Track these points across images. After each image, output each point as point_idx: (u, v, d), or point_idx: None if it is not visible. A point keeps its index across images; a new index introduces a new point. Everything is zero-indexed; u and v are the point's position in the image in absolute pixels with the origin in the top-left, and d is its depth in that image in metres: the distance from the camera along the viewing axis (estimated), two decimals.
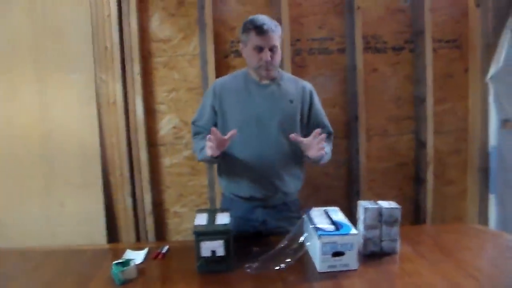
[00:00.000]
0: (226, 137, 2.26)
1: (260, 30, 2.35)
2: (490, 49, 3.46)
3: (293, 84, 2.58)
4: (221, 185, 2.74)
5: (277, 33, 2.41)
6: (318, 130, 2.27)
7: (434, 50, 3.50)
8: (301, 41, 3.50)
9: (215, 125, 2.54)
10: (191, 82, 3.46)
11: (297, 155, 2.52)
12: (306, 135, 2.50)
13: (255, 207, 2.56)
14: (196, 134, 2.64)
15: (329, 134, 2.65)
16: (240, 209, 2.52)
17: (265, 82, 2.52)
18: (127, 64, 3.36)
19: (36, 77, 3.32)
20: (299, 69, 3.49)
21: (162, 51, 3.44)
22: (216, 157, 2.33)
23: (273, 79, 2.53)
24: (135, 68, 3.35)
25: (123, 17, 3.33)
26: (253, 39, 2.39)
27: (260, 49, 2.39)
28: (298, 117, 2.52)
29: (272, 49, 2.39)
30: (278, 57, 2.45)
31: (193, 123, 2.66)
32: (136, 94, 3.38)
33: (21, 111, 3.34)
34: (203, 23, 3.37)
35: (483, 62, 3.49)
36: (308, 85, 2.64)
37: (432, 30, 3.45)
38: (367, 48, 3.52)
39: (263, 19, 2.40)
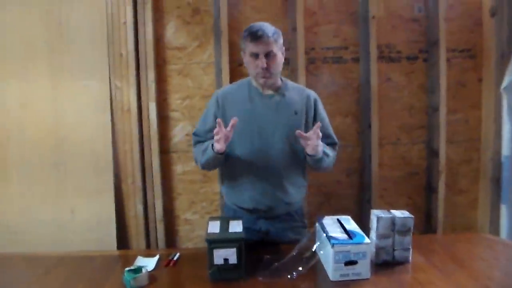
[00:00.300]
0: (228, 128, 2.25)
1: (254, 36, 2.32)
2: (504, 59, 3.45)
3: (297, 94, 2.54)
4: (224, 195, 2.70)
5: (274, 39, 2.36)
6: (319, 123, 2.26)
7: (448, 59, 3.50)
8: (315, 50, 3.52)
9: None
10: (206, 90, 3.48)
11: (300, 165, 2.52)
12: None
13: (258, 218, 2.53)
14: (196, 143, 2.61)
15: (333, 144, 2.63)
16: (242, 219, 2.47)
17: (269, 92, 2.49)
18: (142, 71, 3.39)
19: (51, 84, 3.35)
20: (313, 78, 3.50)
21: (177, 58, 3.47)
22: (221, 154, 2.33)
23: (277, 89, 2.50)
24: (150, 75, 3.38)
25: (139, 25, 3.36)
26: (249, 46, 2.36)
27: (256, 56, 2.36)
28: (302, 128, 2.46)
29: (268, 56, 2.34)
30: (276, 64, 2.39)
31: (194, 134, 2.62)
32: (150, 101, 3.40)
33: (35, 117, 3.37)
34: (218, 31, 3.39)
35: (497, 72, 3.49)
36: (313, 94, 2.60)
37: (446, 40, 3.45)
38: (381, 57, 3.53)
39: (260, 25, 2.37)
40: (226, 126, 2.36)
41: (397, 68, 3.58)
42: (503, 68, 3.44)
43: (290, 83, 2.60)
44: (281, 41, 2.43)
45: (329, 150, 2.51)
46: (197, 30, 3.46)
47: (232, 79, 3.35)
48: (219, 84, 3.42)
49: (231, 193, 2.60)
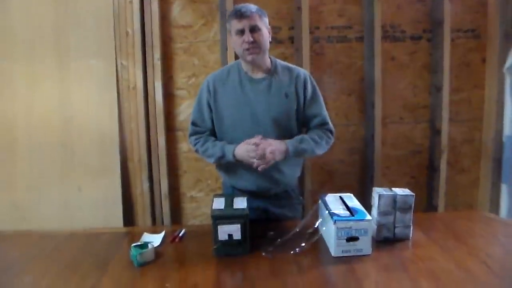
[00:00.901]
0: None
1: (238, 14, 2.34)
2: (508, 39, 3.46)
3: (287, 75, 2.52)
4: (221, 176, 2.75)
5: (259, 15, 2.37)
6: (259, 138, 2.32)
7: (452, 39, 3.50)
8: (320, 29, 3.53)
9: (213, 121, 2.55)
10: (211, 68, 3.48)
11: None
12: (304, 123, 2.58)
13: (256, 197, 2.54)
14: (195, 134, 2.62)
15: (323, 125, 2.60)
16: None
17: (258, 76, 2.49)
18: (148, 50, 3.41)
19: (57, 64, 3.38)
20: (317, 57, 3.52)
21: (183, 37, 3.49)
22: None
23: (266, 71, 2.49)
24: (156, 54, 3.40)
25: (145, 3, 3.37)
26: (234, 24, 2.37)
27: (242, 32, 2.35)
28: (294, 110, 2.49)
29: (253, 30, 2.34)
30: (263, 39, 2.38)
31: (193, 123, 2.62)
32: (156, 80, 3.43)
33: (42, 97, 3.40)
34: (223, 9, 3.39)
35: (500, 53, 3.49)
36: (303, 74, 2.56)
37: (450, 20, 3.45)
38: (385, 36, 3.54)
39: (243, 5, 2.38)
40: (218, 113, 2.47)
41: (401, 47, 3.58)
42: (506, 49, 3.46)
43: (280, 63, 2.58)
44: (266, 19, 2.43)
45: (306, 143, 2.47)
46: (203, 9, 3.47)
47: (237, 58, 3.35)
48: (224, 62, 3.43)
49: (228, 177, 2.65)
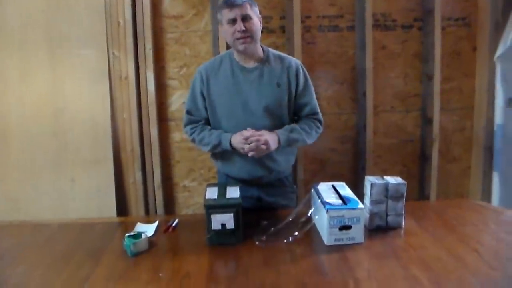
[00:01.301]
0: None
1: (229, 3, 2.34)
2: (498, 28, 3.48)
3: (279, 65, 2.52)
4: (215, 164, 2.76)
5: (249, 4, 2.37)
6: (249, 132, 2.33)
7: (443, 28, 3.52)
8: (311, 18, 3.53)
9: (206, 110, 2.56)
10: (203, 58, 3.49)
11: None
12: (295, 112, 2.59)
13: (250, 185, 2.57)
14: (190, 123, 2.61)
15: (313, 115, 2.62)
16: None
17: (250, 65, 2.49)
18: (139, 40, 3.40)
19: (49, 54, 3.36)
20: (308, 46, 3.52)
21: (174, 27, 3.48)
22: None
23: (258, 60, 2.50)
24: (147, 44, 3.39)
25: None
26: (225, 14, 2.37)
27: (233, 22, 2.35)
28: (286, 99, 2.50)
29: (245, 19, 2.34)
30: (254, 28, 2.37)
31: (188, 112, 2.61)
32: (148, 70, 3.42)
33: (34, 87, 3.39)
34: None
35: (491, 41, 3.51)
36: (295, 63, 2.56)
37: (441, 8, 3.47)
38: (376, 25, 3.55)
39: None
40: (211, 102, 2.48)
41: (392, 36, 3.59)
42: (497, 37, 3.48)
43: (272, 52, 2.58)
44: (256, 8, 2.43)
45: (296, 132, 2.50)
46: None
47: (228, 48, 3.35)
48: (216, 53, 3.43)
49: (222, 165, 2.65)
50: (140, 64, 3.42)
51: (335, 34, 3.57)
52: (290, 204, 2.67)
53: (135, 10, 3.38)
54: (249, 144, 2.30)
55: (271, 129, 2.43)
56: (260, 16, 2.46)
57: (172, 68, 3.52)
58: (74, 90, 3.39)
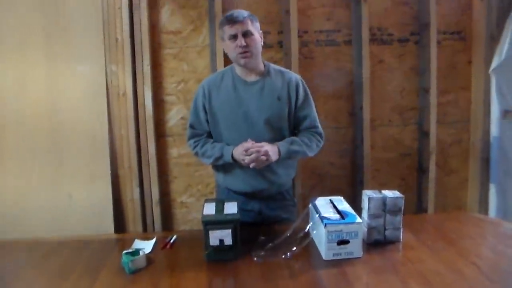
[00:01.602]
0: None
1: (230, 19, 2.39)
2: (493, 41, 3.50)
3: (280, 79, 2.56)
4: (216, 178, 2.79)
5: (250, 20, 2.42)
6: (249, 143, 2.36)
7: (439, 41, 3.54)
8: (309, 33, 3.55)
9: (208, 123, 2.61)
10: (200, 73, 3.50)
11: None
12: (295, 126, 2.61)
13: (250, 199, 2.60)
14: (194, 136, 2.65)
15: (313, 128, 2.64)
16: (235, 201, 2.55)
17: (252, 79, 2.53)
18: (137, 56, 3.41)
19: (47, 69, 3.36)
20: (306, 61, 3.54)
21: (172, 42, 3.49)
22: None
23: (259, 75, 2.54)
24: (145, 60, 3.40)
25: (134, 9, 3.37)
26: (226, 30, 2.42)
27: (235, 37, 2.40)
28: (286, 113, 2.53)
29: (246, 35, 2.39)
30: (255, 44, 2.43)
31: (191, 126, 2.66)
32: (146, 85, 3.43)
33: (32, 103, 3.38)
34: (212, 14, 3.41)
35: (486, 54, 3.53)
36: (295, 78, 2.61)
37: (437, 22, 3.49)
38: (373, 39, 3.57)
39: (235, 10, 2.44)
40: (213, 115, 2.52)
41: (388, 50, 3.61)
42: (492, 50, 3.50)
43: (273, 67, 2.62)
44: (257, 24, 2.48)
45: (297, 144, 2.53)
46: (192, 14, 3.48)
47: (226, 63, 3.37)
48: (213, 68, 3.45)
49: (223, 178, 2.66)
50: (138, 80, 3.43)
51: (332, 48, 3.58)
52: (291, 217, 2.66)
53: (133, 26, 3.39)
54: (249, 155, 2.33)
55: (272, 141, 2.45)
56: (261, 31, 2.50)
57: (170, 84, 3.53)
58: (72, 106, 3.39)
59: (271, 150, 2.38)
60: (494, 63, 3.46)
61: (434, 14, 3.47)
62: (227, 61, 3.34)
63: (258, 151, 2.32)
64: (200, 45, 3.50)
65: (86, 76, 3.39)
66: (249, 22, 2.40)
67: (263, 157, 2.33)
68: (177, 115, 3.55)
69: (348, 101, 3.65)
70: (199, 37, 3.50)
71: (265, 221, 2.59)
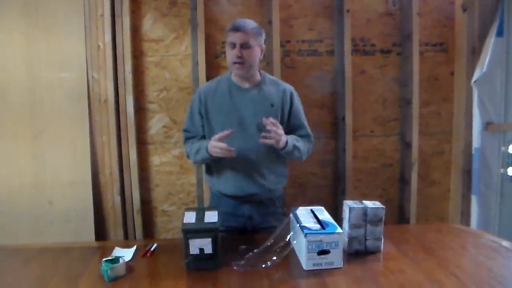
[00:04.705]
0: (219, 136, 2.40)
1: (233, 27, 2.47)
2: (475, 53, 3.53)
3: (274, 88, 2.65)
4: (209, 183, 2.81)
5: (253, 33, 2.48)
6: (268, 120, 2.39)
7: (421, 53, 3.56)
8: (291, 42, 3.55)
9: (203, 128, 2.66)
10: (182, 81, 3.50)
11: (279, 154, 2.57)
12: (289, 134, 2.63)
13: (242, 203, 2.64)
14: (188, 139, 2.74)
15: (307, 136, 2.74)
16: (227, 205, 2.62)
17: (247, 86, 2.60)
18: (119, 63, 3.40)
19: (28, 76, 3.34)
20: (288, 70, 3.55)
21: (154, 50, 3.48)
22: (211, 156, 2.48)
23: (255, 83, 2.61)
24: (127, 67, 3.39)
25: (116, 16, 3.37)
26: (229, 37, 2.49)
27: (233, 46, 2.47)
28: (278, 120, 2.57)
29: (244, 46, 2.46)
30: (251, 56, 2.49)
31: (185, 131, 2.74)
32: (127, 93, 3.41)
33: (13, 108, 3.35)
34: (195, 23, 3.41)
35: (468, 66, 3.56)
36: (289, 88, 2.71)
37: (419, 34, 3.51)
38: (355, 50, 3.58)
39: (242, 20, 2.52)
40: (208, 120, 2.58)
41: (371, 61, 3.63)
42: (474, 62, 3.53)
43: (268, 77, 2.71)
44: (261, 37, 2.54)
45: (300, 143, 2.61)
46: (174, 22, 3.48)
47: (208, 71, 3.39)
48: (195, 76, 3.45)
49: (216, 181, 2.70)
50: (119, 87, 3.41)
51: (314, 58, 3.59)
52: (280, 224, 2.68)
53: (115, 33, 3.38)
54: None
55: (263, 147, 2.51)
56: (263, 46, 2.58)
57: (151, 92, 3.51)
58: (53, 112, 3.37)
59: (283, 136, 2.44)
60: (476, 75, 3.48)
61: (416, 25, 3.49)
62: (209, 70, 3.38)
63: (276, 132, 2.38)
64: (182, 54, 3.49)
65: (68, 82, 3.37)
66: (251, 35, 2.47)
67: (277, 135, 2.38)
68: (158, 123, 3.54)
69: (330, 111, 3.65)
70: (181, 45, 3.49)
71: (255, 227, 2.64)
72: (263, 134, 2.38)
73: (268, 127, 2.37)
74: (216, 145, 2.40)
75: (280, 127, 2.43)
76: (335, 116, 3.65)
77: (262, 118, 2.39)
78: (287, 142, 2.47)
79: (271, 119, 2.38)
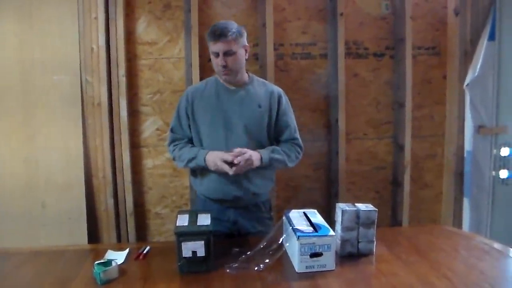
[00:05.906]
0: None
1: (213, 36, 2.41)
2: (467, 57, 3.56)
3: (262, 89, 2.63)
4: (194, 186, 2.78)
5: (234, 38, 2.42)
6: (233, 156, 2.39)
7: (414, 56, 3.57)
8: (284, 45, 3.56)
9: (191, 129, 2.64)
10: (176, 84, 3.50)
11: None
12: (275, 137, 2.66)
13: (227, 208, 2.61)
14: (174, 140, 2.69)
15: (293, 140, 2.70)
16: (211, 210, 2.54)
17: (234, 87, 2.59)
18: (113, 66, 3.39)
19: (21, 78, 3.34)
20: (281, 73, 3.55)
21: (148, 53, 3.48)
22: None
23: (242, 85, 2.60)
24: (121, 70, 3.38)
25: (110, 19, 3.36)
26: (210, 46, 2.46)
27: (217, 55, 2.44)
28: (266, 121, 2.58)
29: (227, 54, 2.42)
30: (235, 63, 2.47)
31: (172, 130, 2.71)
32: (121, 96, 3.41)
33: (5, 112, 3.35)
34: (188, 26, 3.41)
35: (460, 70, 3.58)
36: (277, 90, 2.68)
37: (412, 37, 3.52)
38: (348, 53, 3.59)
39: (220, 24, 2.44)
40: (194, 120, 2.57)
41: (364, 64, 3.64)
42: (466, 66, 3.55)
43: (257, 79, 2.70)
44: (242, 38, 2.49)
45: (279, 154, 2.59)
46: (168, 25, 3.48)
47: (202, 74, 3.38)
48: (189, 79, 3.45)
49: (200, 184, 2.67)
50: (113, 90, 3.41)
51: (308, 61, 3.60)
52: (266, 230, 2.64)
53: (109, 36, 3.37)
54: (235, 163, 2.37)
55: (251, 147, 2.49)
56: (247, 44, 2.54)
57: (145, 95, 3.51)
58: (47, 115, 3.36)
59: (254, 155, 2.42)
60: (468, 79, 3.51)
61: (409, 29, 3.51)
62: (202, 73, 3.38)
63: (245, 159, 2.37)
64: (176, 57, 3.49)
65: (61, 85, 3.36)
66: (233, 41, 2.42)
67: (246, 162, 2.38)
68: (152, 126, 3.53)
69: (323, 114, 3.66)
70: (175, 48, 3.49)
71: (241, 232, 2.61)
72: (234, 168, 2.38)
73: (235, 161, 2.36)
74: (221, 166, 2.39)
75: (245, 151, 2.40)
76: (328, 119, 3.66)
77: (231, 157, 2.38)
78: (261, 158, 2.47)
79: (235, 152, 2.38)
